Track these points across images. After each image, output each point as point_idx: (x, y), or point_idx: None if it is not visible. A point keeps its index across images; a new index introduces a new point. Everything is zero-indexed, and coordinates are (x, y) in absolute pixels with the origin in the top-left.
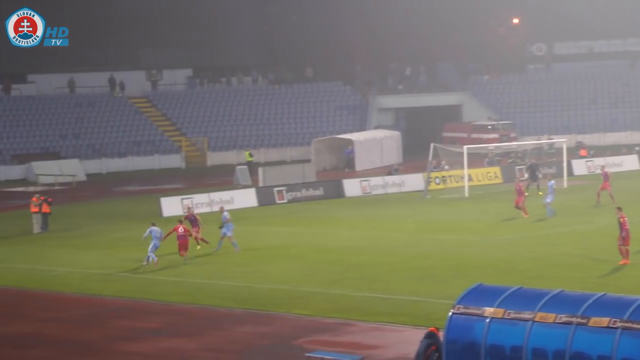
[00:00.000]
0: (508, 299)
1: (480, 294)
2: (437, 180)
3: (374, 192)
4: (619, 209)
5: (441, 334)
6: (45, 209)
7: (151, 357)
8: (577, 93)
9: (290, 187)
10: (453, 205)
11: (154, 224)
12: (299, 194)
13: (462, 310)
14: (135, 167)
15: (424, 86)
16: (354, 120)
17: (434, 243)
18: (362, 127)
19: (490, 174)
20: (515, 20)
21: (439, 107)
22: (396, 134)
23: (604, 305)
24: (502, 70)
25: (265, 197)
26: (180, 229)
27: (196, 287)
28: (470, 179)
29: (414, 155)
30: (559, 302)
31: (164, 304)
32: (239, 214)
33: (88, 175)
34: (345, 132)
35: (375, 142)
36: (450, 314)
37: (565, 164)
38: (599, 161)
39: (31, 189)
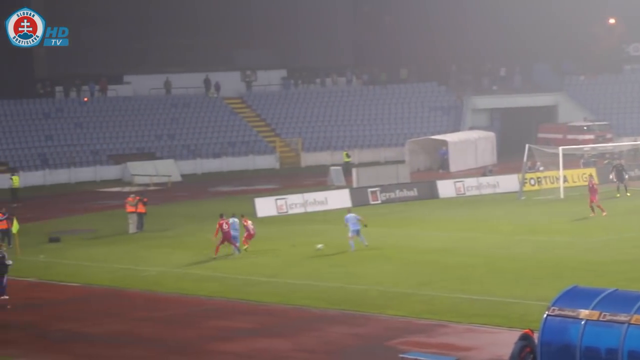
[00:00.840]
0: (603, 301)
1: (575, 296)
2: (532, 182)
3: (468, 193)
4: None
5: (536, 336)
6: (141, 209)
7: (244, 357)
8: None
9: (384, 188)
10: (548, 207)
11: (233, 215)
12: (392, 195)
13: (557, 312)
14: (230, 167)
15: (519, 87)
16: (448, 121)
17: (529, 244)
18: (456, 128)
19: (586, 175)
20: (612, 20)
21: (534, 107)
22: (491, 134)
23: None
24: (598, 70)
25: (359, 197)
26: (225, 225)
27: (290, 288)
28: (565, 180)
29: (509, 156)
30: None
31: (258, 304)
32: (333, 215)
33: (183, 175)
34: (439, 132)
35: (469, 143)
36: (545, 315)
37: None
38: None
39: (127, 189)
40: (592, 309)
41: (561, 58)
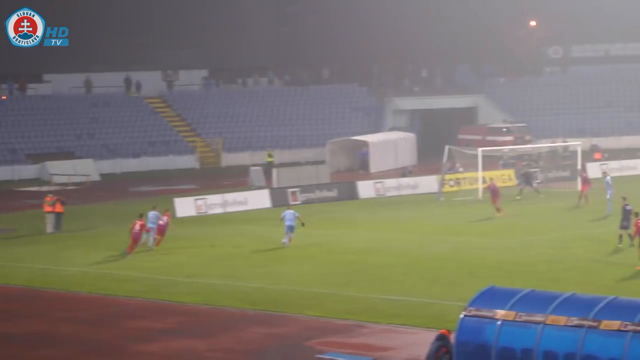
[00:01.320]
0: (520, 301)
1: (492, 297)
2: (451, 183)
3: (388, 194)
4: (636, 214)
5: (453, 336)
6: (59, 208)
7: (163, 358)
8: (593, 96)
9: (304, 189)
10: (467, 208)
11: (154, 208)
12: (312, 195)
13: (473, 313)
14: (150, 167)
15: (440, 88)
16: (369, 121)
17: (448, 245)
18: (377, 129)
19: (505, 177)
20: (533, 23)
21: (455, 109)
22: (411, 136)
23: (616, 309)
24: (519, 72)
25: (279, 198)
26: (137, 226)
27: (210, 288)
28: (484, 182)
29: (429, 157)
30: (571, 305)
31: (177, 304)
32: (253, 215)
33: (102, 175)
34: (360, 133)
35: (389, 144)
36: (461, 316)
37: (579, 167)
38: (613, 164)
39: (45, 188)
40: (509, 310)
41: (482, 60)
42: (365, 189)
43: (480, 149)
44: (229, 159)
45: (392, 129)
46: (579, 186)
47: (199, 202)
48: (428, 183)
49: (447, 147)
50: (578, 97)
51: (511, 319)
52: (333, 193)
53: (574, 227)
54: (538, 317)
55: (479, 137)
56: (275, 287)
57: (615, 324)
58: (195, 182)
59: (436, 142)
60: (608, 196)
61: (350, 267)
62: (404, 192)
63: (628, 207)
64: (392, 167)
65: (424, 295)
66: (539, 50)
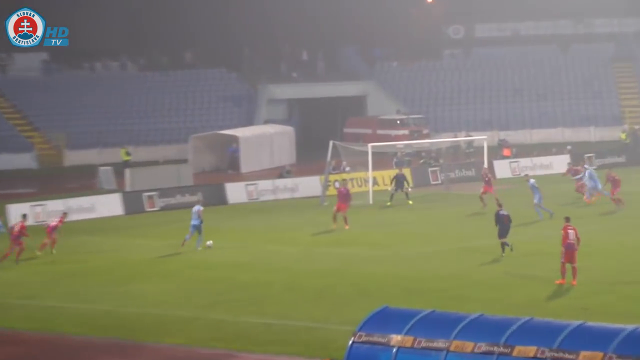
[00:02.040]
0: (419, 324)
1: (386, 319)
2: (337, 184)
3: (262, 198)
4: (567, 219)
5: None
6: None
7: None
8: (500, 83)
9: (163, 192)
10: (355, 214)
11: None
12: (173, 201)
13: (364, 339)
14: None
15: (323, 74)
16: (239, 113)
17: (333, 258)
18: (249, 122)
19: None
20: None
21: (340, 98)
22: (289, 129)
23: (530, 332)
24: (414, 56)
25: (133, 204)
26: (16, 228)
27: (49, 312)
28: (375, 183)
29: (310, 154)
30: (478, 328)
31: (11, 331)
32: (102, 224)
33: None
34: (229, 127)
35: (264, 139)
36: (350, 342)
37: (485, 165)
38: (525, 162)
39: None
40: (406, 334)
41: (371, 42)
42: (236, 192)
43: (370, 145)
44: (73, 158)
45: (267, 121)
46: (481, 187)
47: (37, 209)
48: (309, 185)
49: (331, 143)
50: (483, 84)
51: (409, 345)
52: (197, 197)
53: (480, 236)
54: (440, 343)
55: (368, 131)
56: (128, 310)
57: (530, 350)
58: (32, 185)
59: (319, 136)
60: (536, 200)
61: (217, 285)
62: (281, 195)
63: (502, 213)
64: (268, 167)
65: (306, 318)
66: (438, 30)
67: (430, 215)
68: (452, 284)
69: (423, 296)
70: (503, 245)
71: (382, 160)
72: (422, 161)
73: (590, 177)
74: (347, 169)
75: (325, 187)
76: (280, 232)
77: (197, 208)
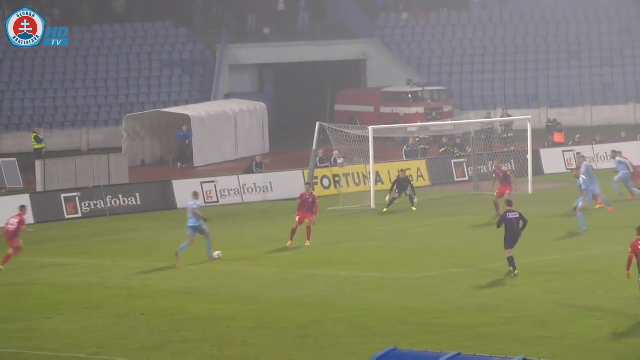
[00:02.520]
0: None
1: None
2: (326, 182)
3: (223, 201)
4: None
5: None
6: None
7: None
8: (549, 42)
9: (87, 194)
10: (352, 223)
11: None
12: (101, 204)
13: None
14: None
15: (305, 29)
16: (191, 84)
17: (319, 283)
18: (205, 97)
19: (412, 172)
20: None
21: (330, 63)
22: (260, 107)
23: None
24: (431, 5)
25: (47, 209)
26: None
27: None
28: (379, 180)
29: (288, 141)
30: None
31: None
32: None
33: None
34: (177, 103)
35: (226, 121)
36: None
37: (530, 156)
38: (584, 151)
39: None
40: None
41: None
42: (187, 193)
43: (371, 128)
44: None
45: (230, 95)
46: (495, 188)
47: None
48: (287, 183)
49: (318, 125)
50: (525, 44)
51: None
52: (134, 200)
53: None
54: None
55: (369, 109)
56: (39, 353)
57: None
58: None
59: (301, 116)
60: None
61: (163, 320)
62: (249, 197)
63: (511, 216)
64: (231, 158)
65: None
66: None
67: (452, 224)
68: (482, 318)
69: (443, 334)
70: (511, 259)
71: (387, 148)
72: (442, 150)
73: (587, 173)
74: (340, 160)
75: (310, 185)
76: (248, 247)
77: (193, 204)
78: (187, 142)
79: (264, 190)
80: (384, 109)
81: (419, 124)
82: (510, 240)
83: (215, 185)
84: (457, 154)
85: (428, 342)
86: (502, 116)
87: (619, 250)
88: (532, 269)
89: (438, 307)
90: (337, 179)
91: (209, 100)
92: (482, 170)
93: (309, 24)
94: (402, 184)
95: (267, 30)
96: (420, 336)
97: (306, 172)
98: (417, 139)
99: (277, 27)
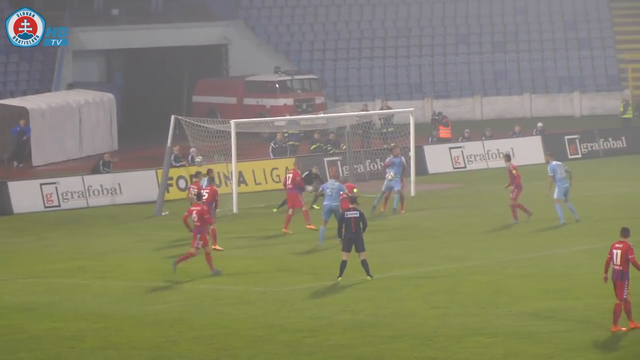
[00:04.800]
0: None
1: None
2: (182, 184)
3: (66, 205)
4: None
5: None
6: None
7: None
8: (436, 24)
9: None
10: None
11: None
12: None
13: None
14: None
15: (160, 11)
16: (29, 72)
17: (177, 298)
18: (44, 87)
19: (279, 172)
20: None
21: (188, 49)
22: (107, 98)
23: None
24: None
25: None
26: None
27: None
28: (242, 181)
29: (140, 137)
30: None
31: None
32: None
33: None
34: (13, 94)
35: (69, 114)
36: None
37: (413, 153)
38: (473, 148)
39: None
40: None
41: None
42: (25, 195)
43: (233, 122)
44: None
45: (73, 85)
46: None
47: None
48: (139, 184)
49: (173, 118)
50: (408, 27)
51: None
52: None
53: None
54: None
55: (231, 100)
56: None
57: None
58: None
59: (154, 109)
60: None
61: None
62: (95, 200)
63: (349, 215)
64: (75, 156)
65: None
66: None
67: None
68: (359, 337)
69: (315, 355)
70: (344, 264)
71: (251, 144)
72: (314, 147)
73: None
74: (198, 158)
75: (164, 187)
76: (94, 258)
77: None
78: (25, 138)
79: (112, 193)
80: (248, 101)
81: (288, 117)
82: (347, 242)
83: (56, 187)
84: (331, 151)
85: None
86: (381, 108)
87: (512, 259)
88: (416, 281)
89: (309, 324)
90: (195, 178)
91: (49, 90)
92: (358, 170)
93: (163, 4)
94: (313, 179)
95: (115, 11)
96: (290, 357)
97: (160, 171)
98: (285, 135)
99: (127, 8)
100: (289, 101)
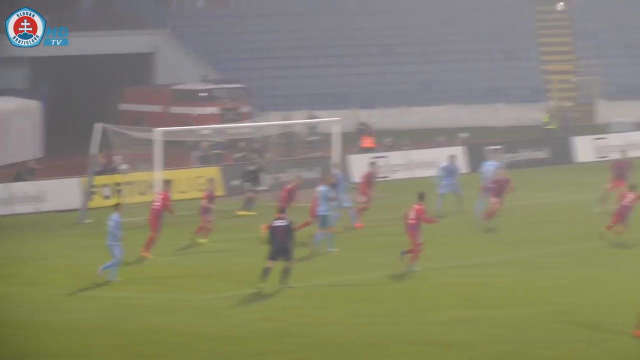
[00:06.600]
0: None
1: None
2: (106, 192)
3: None
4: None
5: None
6: None
7: None
8: (363, 35)
9: None
10: (133, 238)
11: None
12: None
13: None
14: None
15: (87, 18)
16: None
17: (99, 305)
18: None
19: (204, 180)
20: None
21: (115, 57)
22: (32, 105)
23: None
24: None
25: None
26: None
27: None
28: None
29: (65, 144)
30: None
31: None
32: None
33: None
34: None
35: None
36: None
37: (339, 162)
38: (397, 157)
39: None
40: None
41: None
42: None
43: (158, 130)
44: None
45: None
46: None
47: None
48: (64, 192)
49: (97, 126)
50: (335, 36)
51: None
52: None
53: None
54: None
55: (157, 108)
56: None
57: None
58: None
59: (80, 116)
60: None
61: None
62: (20, 208)
63: (277, 224)
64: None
65: None
66: None
67: (247, 240)
68: (280, 345)
69: None
70: (267, 270)
71: (177, 153)
72: (239, 155)
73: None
74: (123, 166)
75: (88, 195)
76: (17, 266)
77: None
78: None
79: (36, 200)
80: (175, 109)
81: (214, 126)
82: (275, 251)
83: None
84: (256, 160)
85: None
86: (307, 118)
87: (434, 268)
88: (339, 290)
89: (231, 332)
90: (119, 187)
91: None
92: (282, 178)
93: (90, 10)
94: (256, 177)
95: (46, 19)
96: None
97: (84, 180)
98: (211, 143)
99: (53, 15)
100: (215, 110)
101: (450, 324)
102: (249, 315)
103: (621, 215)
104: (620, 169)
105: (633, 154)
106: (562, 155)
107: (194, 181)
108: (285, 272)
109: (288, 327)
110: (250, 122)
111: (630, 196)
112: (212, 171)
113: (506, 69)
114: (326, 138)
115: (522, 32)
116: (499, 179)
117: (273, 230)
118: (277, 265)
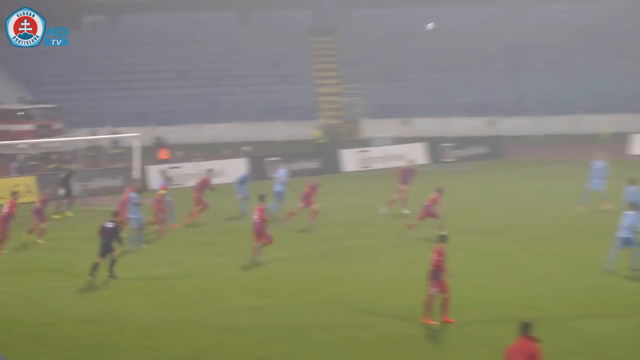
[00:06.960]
0: None
1: None
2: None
3: None
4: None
5: None
6: None
7: None
8: (161, 61)
9: None
10: None
11: None
12: None
13: None
14: None
15: None
16: None
17: None
18: None
19: (21, 188)
20: None
21: None
22: None
23: None
24: (47, 23)
25: None
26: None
27: None
28: None
29: None
30: None
31: None
32: None
33: None
34: None
35: None
36: None
37: (138, 172)
38: (188, 167)
39: None
40: None
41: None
42: None
43: None
44: None
45: None
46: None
47: None
48: None
49: None
50: (134, 64)
51: None
52: None
53: (135, 267)
54: None
55: None
56: None
57: None
58: None
59: None
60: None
61: None
62: None
63: (107, 225)
64: None
65: None
66: None
67: (64, 239)
68: (89, 329)
69: (50, 345)
70: (96, 265)
71: None
72: (52, 166)
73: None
74: None
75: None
76: None
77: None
78: None
79: None
80: None
81: (30, 140)
82: (103, 248)
83: None
84: (66, 170)
85: (36, 353)
86: (110, 133)
87: (223, 263)
88: (140, 282)
89: (45, 319)
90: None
91: None
92: (89, 186)
93: None
94: (68, 181)
95: None
96: (27, 347)
97: None
98: (26, 156)
99: None
100: (31, 127)
101: (236, 312)
102: (61, 304)
103: (425, 215)
104: (405, 176)
105: (396, 164)
106: (332, 166)
107: (12, 189)
108: (112, 264)
109: (97, 314)
110: (61, 137)
111: (433, 196)
112: (29, 180)
113: (284, 92)
114: (127, 151)
115: (297, 59)
116: (311, 184)
117: (103, 230)
118: (105, 261)
